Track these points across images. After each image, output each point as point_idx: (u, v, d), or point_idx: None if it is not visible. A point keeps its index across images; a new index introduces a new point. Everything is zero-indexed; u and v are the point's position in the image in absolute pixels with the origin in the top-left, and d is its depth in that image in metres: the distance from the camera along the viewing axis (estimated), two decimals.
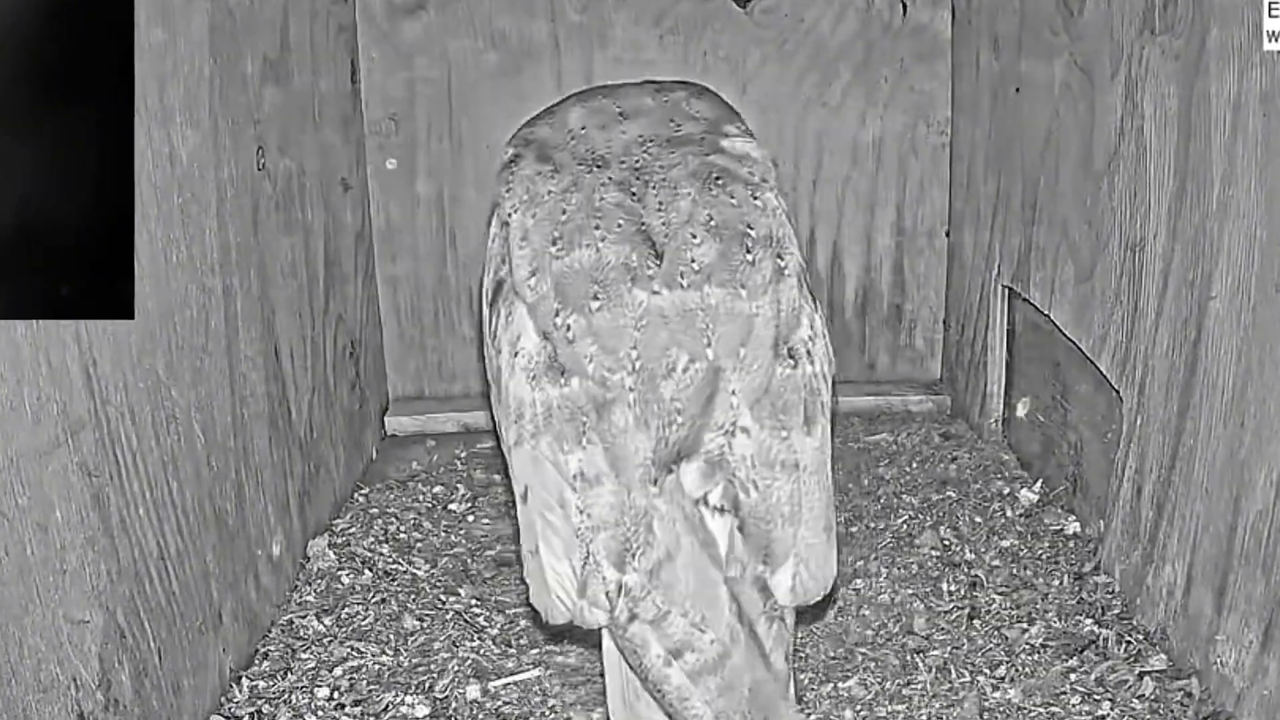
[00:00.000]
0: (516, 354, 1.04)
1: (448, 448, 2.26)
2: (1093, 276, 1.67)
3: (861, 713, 1.38)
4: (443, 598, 1.68)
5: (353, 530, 1.90)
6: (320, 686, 1.45)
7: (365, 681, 1.47)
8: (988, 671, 1.45)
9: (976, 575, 1.68)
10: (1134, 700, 1.37)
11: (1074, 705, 1.37)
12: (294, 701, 1.42)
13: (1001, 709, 1.37)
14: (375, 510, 1.98)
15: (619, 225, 1.05)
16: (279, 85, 1.71)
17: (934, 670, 1.45)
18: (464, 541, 1.87)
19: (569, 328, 1.01)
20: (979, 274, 2.21)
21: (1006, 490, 1.95)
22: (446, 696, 1.44)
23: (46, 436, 1.03)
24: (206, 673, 1.37)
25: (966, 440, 2.22)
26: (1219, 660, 1.33)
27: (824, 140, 2.37)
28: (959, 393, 2.36)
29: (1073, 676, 1.42)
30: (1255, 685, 1.25)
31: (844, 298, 2.47)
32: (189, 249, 1.35)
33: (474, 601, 1.67)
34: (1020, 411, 2.11)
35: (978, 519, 1.86)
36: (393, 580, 1.74)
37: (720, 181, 1.09)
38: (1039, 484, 1.94)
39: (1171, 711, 1.35)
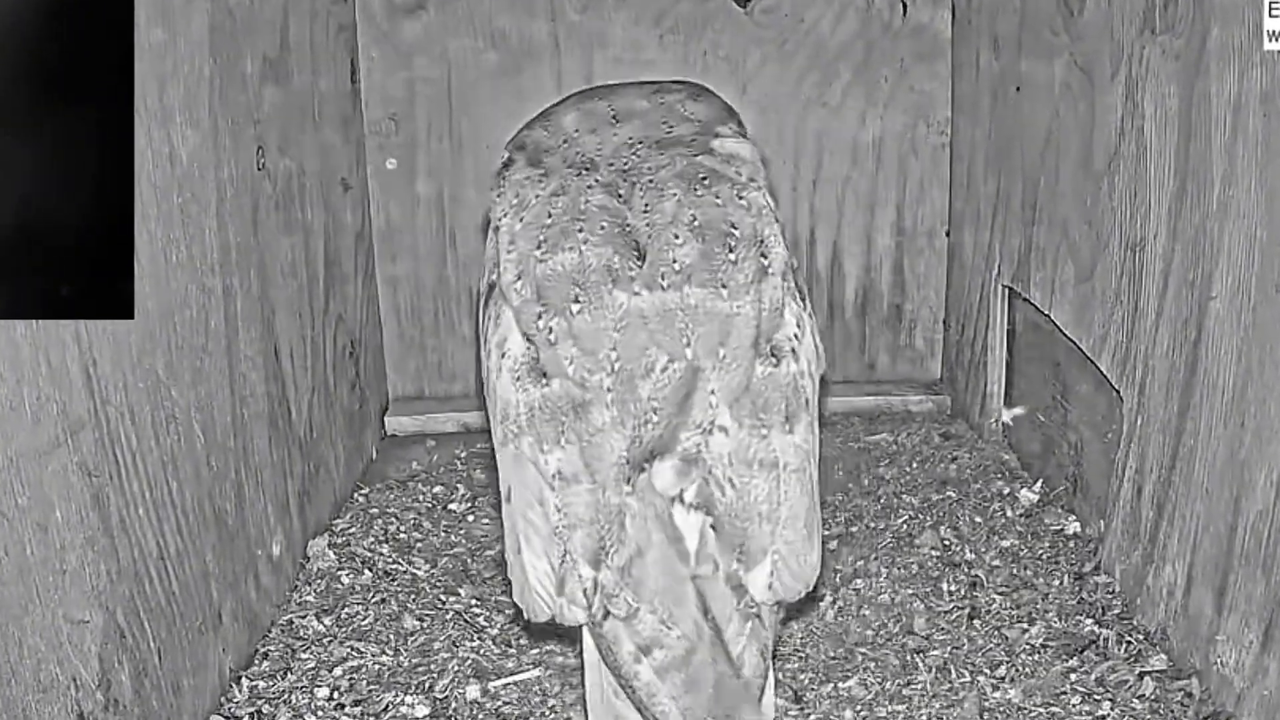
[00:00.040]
0: (503, 356, 1.06)
1: (448, 448, 2.26)
2: (1093, 276, 1.67)
3: (861, 713, 1.38)
4: (443, 598, 1.68)
5: (353, 530, 1.90)
6: (320, 686, 1.45)
7: (365, 681, 1.47)
8: (988, 671, 1.45)
9: (977, 575, 1.68)
10: (1134, 700, 1.37)
11: (1074, 705, 1.37)
12: (294, 701, 1.42)
13: (1002, 709, 1.37)
14: (375, 510, 1.98)
15: (602, 228, 1.06)
16: (279, 85, 1.71)
17: (934, 670, 1.45)
18: (464, 541, 1.87)
19: (551, 330, 1.02)
20: (979, 274, 2.21)
21: (1007, 490, 1.95)
22: (446, 696, 1.44)
23: (46, 436, 1.03)
24: (206, 673, 1.37)
25: (966, 440, 2.22)
26: (1219, 660, 1.33)
27: (824, 140, 2.37)
28: (959, 393, 2.36)
29: (1073, 676, 1.42)
30: (1255, 685, 1.25)
31: (844, 298, 2.47)
32: (189, 249, 1.35)
33: (474, 601, 1.67)
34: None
35: (978, 519, 1.86)
36: (393, 580, 1.74)
37: (706, 182, 1.09)
38: (1039, 484, 1.94)
39: (1172, 712, 1.35)
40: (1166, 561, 1.46)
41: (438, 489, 2.07)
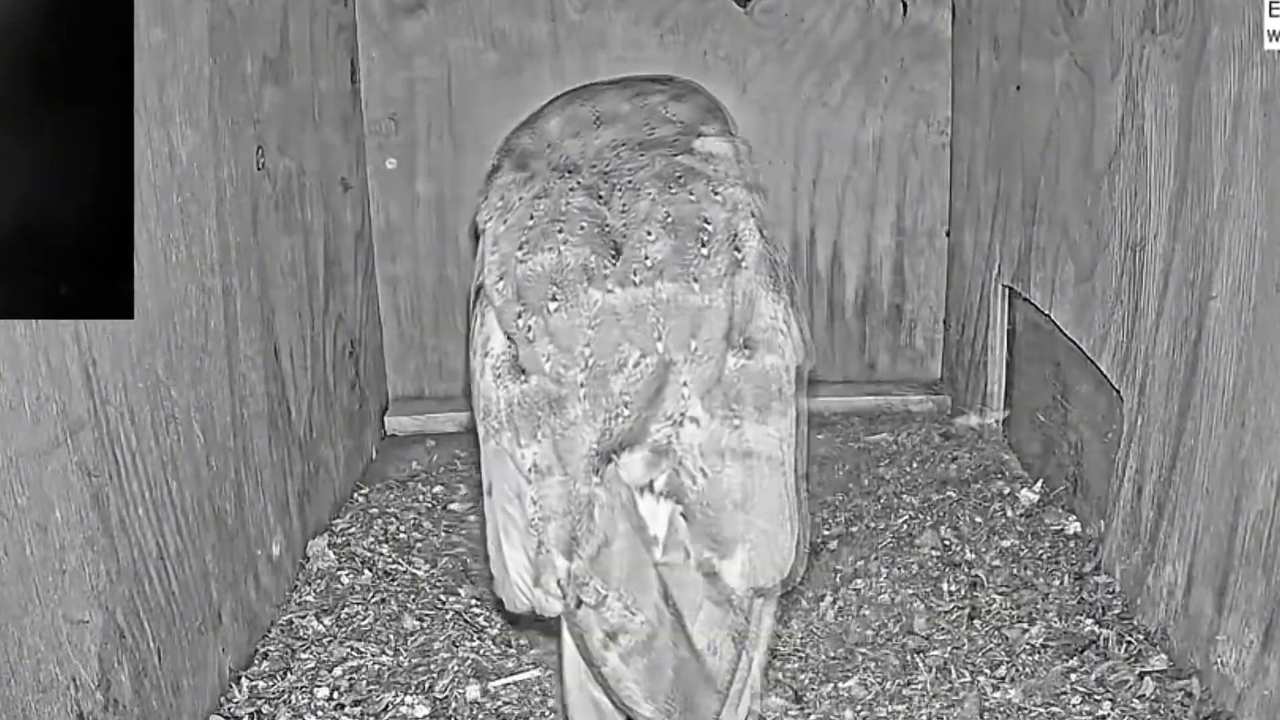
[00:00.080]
0: (486, 355, 1.08)
1: (448, 448, 2.26)
2: (1093, 276, 1.67)
3: (861, 713, 1.38)
4: (443, 598, 1.68)
5: (353, 530, 1.90)
6: (320, 686, 1.45)
7: (365, 681, 1.47)
8: (988, 671, 1.45)
9: (977, 575, 1.68)
10: (1134, 700, 1.37)
11: (1074, 705, 1.37)
12: (294, 701, 1.42)
13: (1002, 709, 1.37)
14: (375, 510, 1.97)
15: (582, 228, 1.08)
16: (279, 85, 1.71)
17: (934, 670, 1.45)
18: (464, 541, 1.87)
19: (529, 329, 1.05)
20: (979, 274, 2.20)
21: (1007, 490, 1.95)
22: (446, 696, 1.44)
23: (46, 436, 1.03)
24: (206, 673, 1.37)
25: (967, 440, 2.22)
26: (1219, 660, 1.33)
27: (824, 140, 2.37)
28: (959, 393, 2.36)
29: (1073, 676, 1.42)
30: (1256, 685, 1.25)
31: (844, 298, 2.47)
32: (188, 249, 1.35)
33: (474, 601, 1.67)
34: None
35: (978, 519, 1.86)
36: (393, 580, 1.74)
37: (681, 180, 1.11)
38: (1039, 484, 1.94)
39: (1172, 711, 1.35)
40: (1167, 561, 1.46)
41: (438, 489, 2.07)
